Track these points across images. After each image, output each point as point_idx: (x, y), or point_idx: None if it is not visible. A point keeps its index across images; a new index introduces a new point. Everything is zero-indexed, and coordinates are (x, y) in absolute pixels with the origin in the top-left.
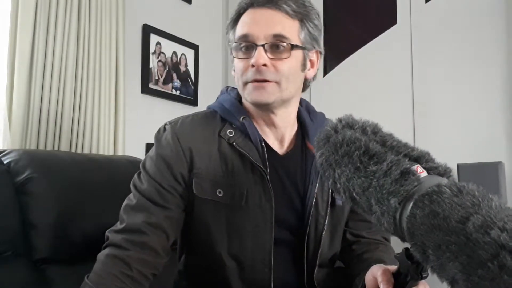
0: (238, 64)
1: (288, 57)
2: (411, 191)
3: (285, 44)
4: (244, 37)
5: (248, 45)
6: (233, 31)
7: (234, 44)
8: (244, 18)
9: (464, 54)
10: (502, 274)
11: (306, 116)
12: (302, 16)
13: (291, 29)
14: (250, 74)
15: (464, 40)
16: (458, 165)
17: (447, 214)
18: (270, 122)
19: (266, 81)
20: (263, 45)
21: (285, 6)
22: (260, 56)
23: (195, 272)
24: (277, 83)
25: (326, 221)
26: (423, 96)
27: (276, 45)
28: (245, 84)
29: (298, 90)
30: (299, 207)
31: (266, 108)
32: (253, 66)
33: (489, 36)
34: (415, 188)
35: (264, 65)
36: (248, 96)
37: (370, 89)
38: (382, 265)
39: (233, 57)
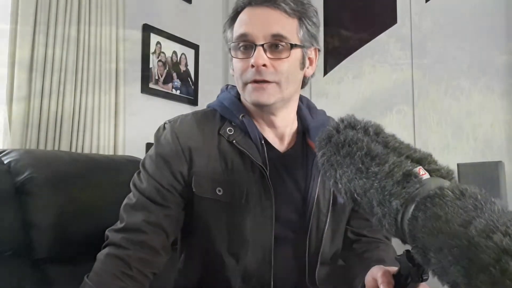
0: (237, 64)
1: (287, 57)
2: (413, 193)
3: (284, 43)
4: (243, 37)
5: (247, 44)
6: (231, 30)
7: (232, 44)
8: (242, 16)
9: (464, 54)
10: (504, 279)
11: (307, 113)
12: (300, 14)
13: (290, 28)
14: (250, 74)
15: (464, 40)
16: (458, 165)
17: (449, 217)
18: (270, 122)
19: (266, 81)
20: (262, 45)
21: (283, 5)
22: (260, 56)
23: (195, 270)
24: (277, 83)
25: (328, 218)
26: (423, 96)
27: (275, 44)
28: (245, 84)
29: (298, 88)
30: (300, 205)
31: (266, 110)
32: (252, 66)
33: (489, 36)
34: (417, 191)
35: (264, 65)
36: (248, 97)
37: (370, 89)
38: (382, 266)
39: (232, 56)
